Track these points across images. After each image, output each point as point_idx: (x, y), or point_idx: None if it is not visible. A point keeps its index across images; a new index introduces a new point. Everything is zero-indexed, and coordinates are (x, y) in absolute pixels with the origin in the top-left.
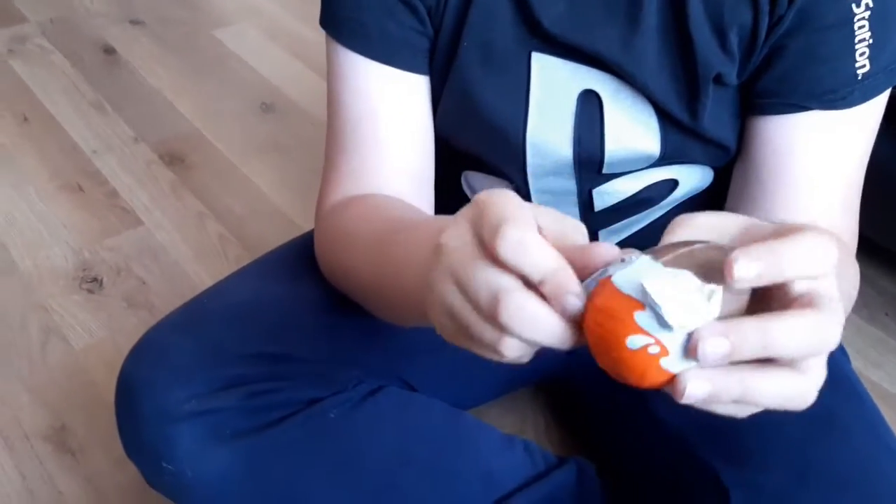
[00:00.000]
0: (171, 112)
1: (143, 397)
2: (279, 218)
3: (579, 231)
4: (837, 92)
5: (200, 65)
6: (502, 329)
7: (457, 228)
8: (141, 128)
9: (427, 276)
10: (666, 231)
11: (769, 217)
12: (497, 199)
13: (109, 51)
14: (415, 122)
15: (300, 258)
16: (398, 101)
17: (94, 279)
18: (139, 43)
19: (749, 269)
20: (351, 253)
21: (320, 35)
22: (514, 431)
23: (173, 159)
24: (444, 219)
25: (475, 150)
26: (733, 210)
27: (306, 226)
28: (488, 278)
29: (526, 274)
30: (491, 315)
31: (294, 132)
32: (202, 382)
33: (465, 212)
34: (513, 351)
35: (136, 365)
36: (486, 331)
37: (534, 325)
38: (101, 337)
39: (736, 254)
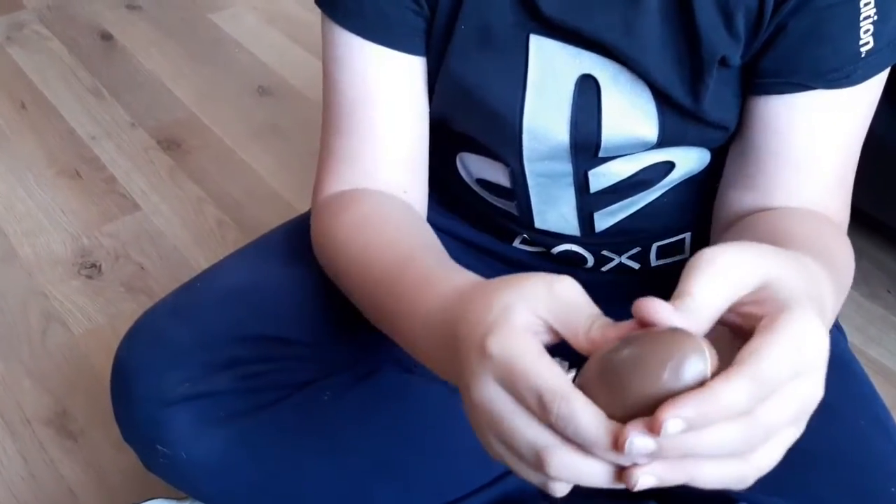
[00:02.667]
0: (168, 97)
1: (137, 381)
2: (277, 202)
3: (592, 313)
4: (841, 70)
5: (197, 49)
6: (549, 478)
7: (484, 382)
8: (138, 113)
9: (464, 397)
10: (685, 271)
11: (764, 199)
12: (518, 359)
13: (106, 36)
14: (411, 106)
15: (294, 241)
16: (394, 83)
17: (93, 265)
18: (136, 28)
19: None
20: (346, 271)
21: (317, 18)
22: None
23: (171, 144)
24: (449, 283)
25: (471, 132)
26: (728, 191)
27: (304, 210)
28: (530, 436)
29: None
30: (537, 468)
31: (291, 116)
32: (196, 365)
33: (485, 364)
34: (562, 492)
35: (130, 349)
36: (532, 475)
37: (580, 476)
38: (101, 322)
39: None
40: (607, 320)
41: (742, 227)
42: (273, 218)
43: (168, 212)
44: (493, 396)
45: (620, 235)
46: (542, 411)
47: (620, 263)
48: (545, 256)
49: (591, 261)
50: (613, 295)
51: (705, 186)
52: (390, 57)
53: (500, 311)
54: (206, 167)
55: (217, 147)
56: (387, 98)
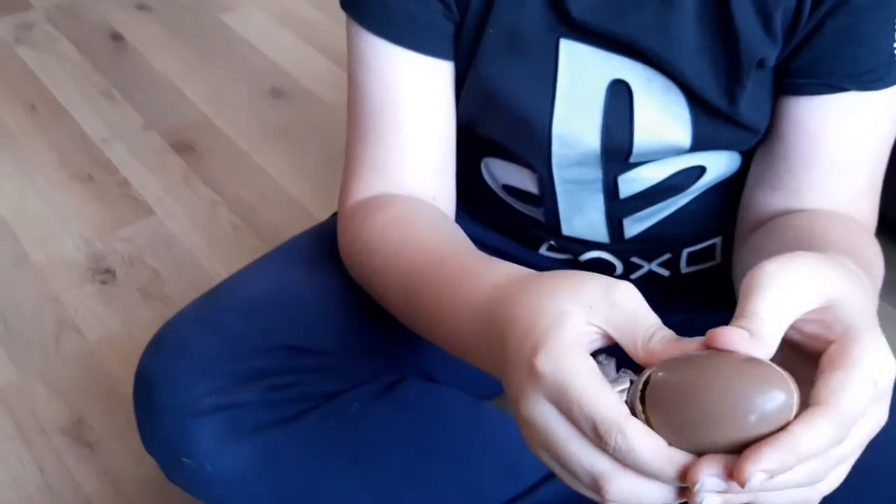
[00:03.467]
0: (180, 99)
1: (162, 391)
2: (292, 205)
3: (652, 323)
4: (875, 72)
5: (208, 50)
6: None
7: (535, 401)
8: (150, 115)
9: (514, 404)
10: (745, 287)
11: (793, 201)
12: (570, 383)
13: (117, 37)
14: (439, 111)
15: (319, 248)
16: (422, 88)
17: (107, 270)
18: (146, 28)
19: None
20: (382, 270)
21: (328, 18)
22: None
23: (184, 147)
24: (490, 276)
25: (498, 138)
26: (755, 192)
27: (319, 213)
28: (585, 462)
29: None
30: (594, 490)
31: (305, 118)
32: (222, 376)
33: (536, 382)
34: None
35: (154, 358)
36: (585, 491)
37: (640, 499)
38: (116, 329)
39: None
40: (669, 332)
41: (772, 228)
42: (288, 221)
43: (182, 216)
44: (545, 417)
45: (650, 242)
46: (598, 440)
47: (650, 271)
48: (573, 264)
49: (619, 268)
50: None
51: (736, 190)
52: (418, 61)
53: (552, 320)
54: (220, 170)
55: (230, 150)
56: (415, 104)
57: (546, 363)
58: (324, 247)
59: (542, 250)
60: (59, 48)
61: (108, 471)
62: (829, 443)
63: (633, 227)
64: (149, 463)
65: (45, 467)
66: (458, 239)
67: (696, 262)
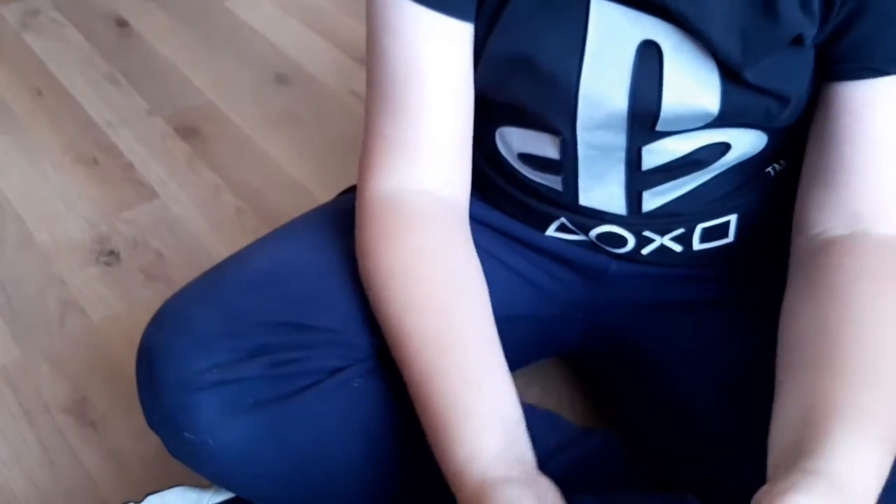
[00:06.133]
0: (185, 84)
1: (164, 367)
2: (296, 189)
3: None
4: None
5: (214, 36)
6: None
7: None
8: (155, 100)
9: None
10: None
11: (849, 201)
12: None
13: (122, 23)
14: (460, 81)
15: (322, 227)
16: (447, 57)
17: (111, 252)
18: (152, 15)
19: None
20: (391, 320)
21: (334, 4)
22: (538, 402)
23: (188, 132)
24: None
25: (521, 101)
26: (810, 190)
27: (322, 197)
28: None
29: None
30: None
31: (309, 103)
32: (224, 352)
33: None
34: None
35: (156, 334)
36: None
37: None
38: (119, 310)
39: None
40: None
41: (810, 285)
42: (291, 205)
43: (186, 199)
44: None
45: (665, 216)
46: None
47: (662, 245)
48: (580, 244)
49: (631, 242)
50: (649, 286)
51: (757, 170)
52: (443, 26)
53: None
54: (224, 155)
55: (235, 135)
56: (438, 74)
57: None
58: (327, 226)
59: (551, 230)
60: (64, 34)
61: (111, 449)
62: None
63: (652, 201)
64: (151, 441)
65: (48, 445)
66: (470, 330)
67: (710, 239)
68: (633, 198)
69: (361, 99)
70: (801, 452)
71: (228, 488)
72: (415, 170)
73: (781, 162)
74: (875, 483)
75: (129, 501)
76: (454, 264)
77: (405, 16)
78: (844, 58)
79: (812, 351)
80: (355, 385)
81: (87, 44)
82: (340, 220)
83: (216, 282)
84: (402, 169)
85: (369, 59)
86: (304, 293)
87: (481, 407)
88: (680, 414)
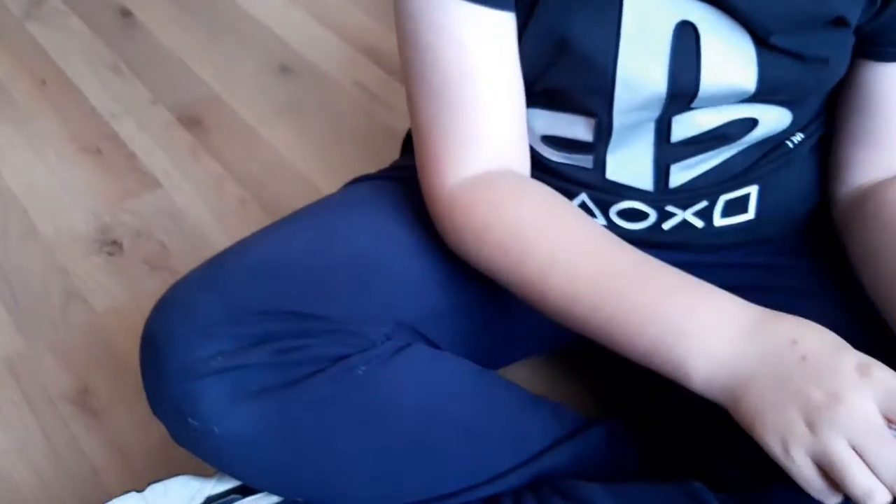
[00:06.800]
0: (188, 74)
1: (168, 354)
2: (299, 180)
3: None
4: None
5: (217, 26)
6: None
7: (862, 396)
8: (159, 90)
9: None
10: None
11: (888, 158)
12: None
13: (126, 13)
14: (511, 72)
15: (327, 217)
16: (495, 50)
17: (115, 242)
18: (156, 5)
19: None
20: (535, 273)
21: None
22: (544, 393)
23: (192, 122)
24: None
25: (558, 86)
26: (849, 149)
27: (326, 188)
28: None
29: None
30: (868, 497)
31: (313, 94)
32: (229, 339)
33: (867, 383)
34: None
35: (160, 321)
36: (860, 486)
37: None
38: (123, 300)
39: None
40: None
41: (880, 224)
42: (295, 196)
43: (189, 189)
44: (867, 412)
45: (690, 191)
46: None
47: (684, 220)
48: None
49: (654, 216)
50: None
51: (778, 142)
52: (487, 19)
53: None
54: (228, 145)
55: (238, 125)
56: (491, 68)
57: (881, 371)
58: (332, 216)
59: None
60: (68, 24)
61: (114, 438)
62: None
63: (679, 176)
64: (154, 431)
65: (51, 435)
66: (613, 240)
67: (731, 213)
68: (661, 172)
69: (366, 91)
70: None
71: (233, 476)
72: (485, 159)
73: (800, 134)
74: None
75: (132, 490)
76: (565, 206)
77: (449, 12)
78: (885, 40)
79: None
80: (360, 373)
81: (91, 33)
82: (345, 211)
83: (219, 270)
84: (471, 162)
85: (412, 58)
86: (308, 282)
87: (674, 278)
88: (687, 398)
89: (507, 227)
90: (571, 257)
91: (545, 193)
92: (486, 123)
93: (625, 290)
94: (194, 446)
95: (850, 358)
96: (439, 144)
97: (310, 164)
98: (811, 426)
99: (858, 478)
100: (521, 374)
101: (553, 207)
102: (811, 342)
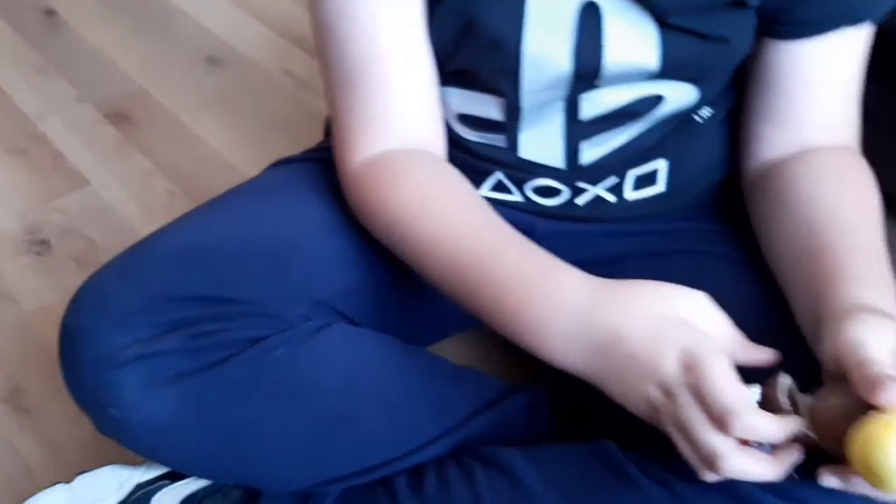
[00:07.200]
0: (114, 71)
1: (83, 345)
2: (229, 172)
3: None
4: (867, 10)
5: (143, 21)
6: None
7: (678, 389)
8: (85, 88)
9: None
10: (845, 355)
11: (794, 135)
12: (708, 371)
13: (50, 12)
14: (421, 53)
15: (245, 201)
16: (403, 31)
17: (42, 241)
18: (80, 2)
19: None
20: (417, 252)
21: None
22: (468, 363)
23: (119, 118)
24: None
25: (467, 67)
26: (757, 126)
27: None
28: (710, 440)
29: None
30: (707, 465)
31: (242, 85)
32: (143, 327)
33: (675, 364)
34: (714, 480)
35: (75, 313)
36: (702, 466)
37: (745, 476)
38: (52, 299)
39: None
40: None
41: (783, 195)
42: (224, 187)
43: (117, 186)
44: (685, 403)
45: (600, 167)
46: (722, 425)
47: (597, 196)
48: (511, 206)
49: (567, 193)
50: (578, 242)
51: (686, 117)
52: (393, 1)
53: (675, 328)
54: (156, 140)
55: (166, 119)
56: (399, 49)
57: (704, 364)
58: (249, 199)
59: (485, 190)
60: None
61: (47, 435)
62: None
63: (589, 153)
64: (87, 425)
65: None
66: (494, 221)
67: (641, 187)
68: (572, 150)
69: (294, 78)
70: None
71: (158, 462)
72: (392, 137)
73: (708, 109)
74: None
75: (60, 482)
76: (459, 184)
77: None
78: (784, 19)
79: (805, 252)
80: (279, 354)
81: (15, 35)
82: (263, 194)
83: (134, 259)
84: (379, 140)
85: (323, 42)
86: (223, 267)
87: (520, 267)
88: None
89: (391, 210)
90: (442, 244)
91: (430, 174)
92: (393, 104)
93: (481, 284)
94: (117, 435)
95: (673, 352)
96: (348, 124)
97: (239, 155)
98: (658, 411)
99: (691, 459)
100: (450, 348)
101: (433, 189)
102: (635, 338)
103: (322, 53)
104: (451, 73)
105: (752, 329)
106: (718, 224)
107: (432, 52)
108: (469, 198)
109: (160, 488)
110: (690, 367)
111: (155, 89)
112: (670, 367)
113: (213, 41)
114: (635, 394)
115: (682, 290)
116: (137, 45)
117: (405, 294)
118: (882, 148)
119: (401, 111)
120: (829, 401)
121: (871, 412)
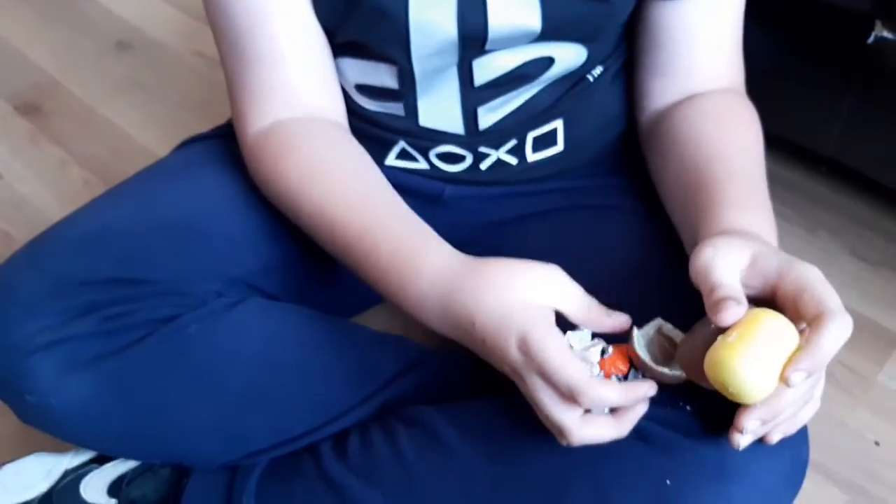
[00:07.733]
0: (22, 61)
1: None
2: (145, 156)
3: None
4: None
5: (49, 10)
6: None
7: (527, 373)
8: None
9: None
10: (699, 271)
11: (684, 84)
12: (542, 354)
13: None
14: (306, 20)
15: (152, 182)
16: (289, 2)
17: None
18: None
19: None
20: (305, 220)
21: None
22: (388, 328)
23: (29, 109)
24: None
25: (356, 36)
26: (649, 79)
27: None
28: (557, 417)
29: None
30: (560, 435)
31: (153, 68)
32: (52, 313)
33: (527, 363)
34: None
35: None
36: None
37: (594, 441)
38: None
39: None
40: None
41: (673, 136)
42: None
43: (31, 177)
44: (535, 385)
45: (499, 131)
46: (570, 398)
47: (499, 159)
48: (418, 172)
49: (469, 159)
50: (486, 206)
51: (578, 78)
52: None
53: (522, 313)
54: (68, 129)
55: (78, 107)
56: (284, 19)
57: (533, 348)
58: (155, 180)
59: (391, 159)
60: None
61: None
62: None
63: (487, 118)
64: (9, 416)
65: None
66: (376, 187)
67: (541, 148)
68: (469, 115)
69: (206, 60)
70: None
71: (81, 445)
72: (285, 107)
73: (599, 67)
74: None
75: None
76: (350, 154)
77: None
78: None
79: (688, 189)
80: (192, 331)
81: None
82: (170, 175)
83: (40, 246)
84: (273, 110)
85: (211, 15)
86: (130, 248)
87: (426, 240)
88: None
89: (282, 180)
90: (328, 215)
91: (321, 144)
92: (284, 74)
93: (363, 258)
94: (37, 422)
95: (513, 337)
96: (241, 96)
97: (154, 139)
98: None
99: (550, 429)
100: (376, 317)
101: (322, 160)
102: (485, 323)
103: (213, 27)
104: (344, 43)
105: (649, 273)
106: (619, 178)
107: (321, 23)
108: (357, 167)
109: (88, 472)
110: (526, 352)
111: (65, 78)
112: (513, 352)
113: (122, 25)
114: (499, 368)
115: (534, 266)
116: (45, 33)
117: (321, 266)
118: (762, 88)
119: (292, 81)
120: (693, 334)
121: (720, 336)
